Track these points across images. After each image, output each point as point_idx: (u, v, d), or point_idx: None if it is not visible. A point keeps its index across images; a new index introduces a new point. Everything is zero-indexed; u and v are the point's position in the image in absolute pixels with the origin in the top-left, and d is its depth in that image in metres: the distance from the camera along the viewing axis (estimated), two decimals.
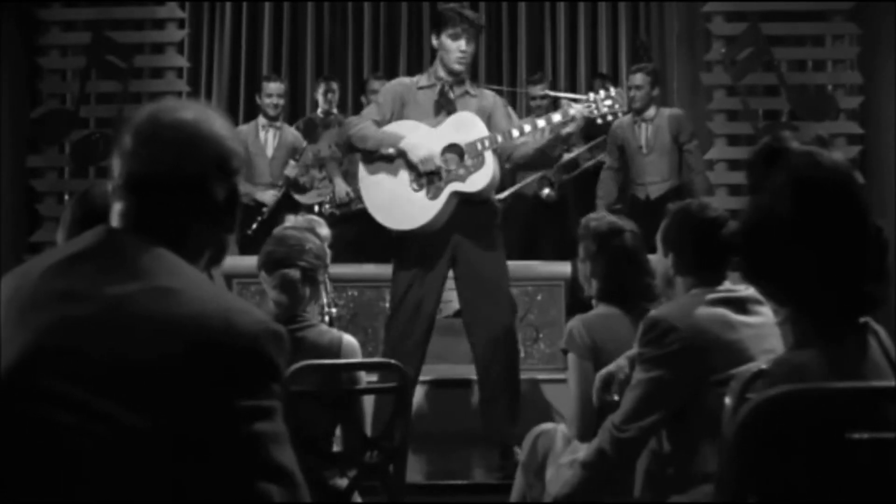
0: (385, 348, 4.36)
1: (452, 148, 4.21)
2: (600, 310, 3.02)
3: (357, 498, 2.76)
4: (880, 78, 6.18)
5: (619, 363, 2.68)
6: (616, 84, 7.36)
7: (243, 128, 6.51)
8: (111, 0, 6.52)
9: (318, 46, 8.42)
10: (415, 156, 4.19)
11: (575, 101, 4.26)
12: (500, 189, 6.89)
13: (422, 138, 4.22)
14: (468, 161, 4.18)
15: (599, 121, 4.32)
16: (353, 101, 7.78)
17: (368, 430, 2.80)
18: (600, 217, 3.16)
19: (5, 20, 6.21)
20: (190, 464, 1.25)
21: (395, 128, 4.28)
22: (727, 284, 2.49)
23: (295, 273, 2.87)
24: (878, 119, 6.18)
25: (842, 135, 6.24)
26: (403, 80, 4.55)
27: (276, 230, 3.17)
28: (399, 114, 4.32)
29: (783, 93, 6.34)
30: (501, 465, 4.28)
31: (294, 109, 7.96)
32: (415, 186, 4.23)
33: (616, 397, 2.62)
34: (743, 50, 6.37)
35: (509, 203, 6.65)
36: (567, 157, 6.54)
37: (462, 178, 4.18)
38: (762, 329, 2.36)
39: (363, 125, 4.32)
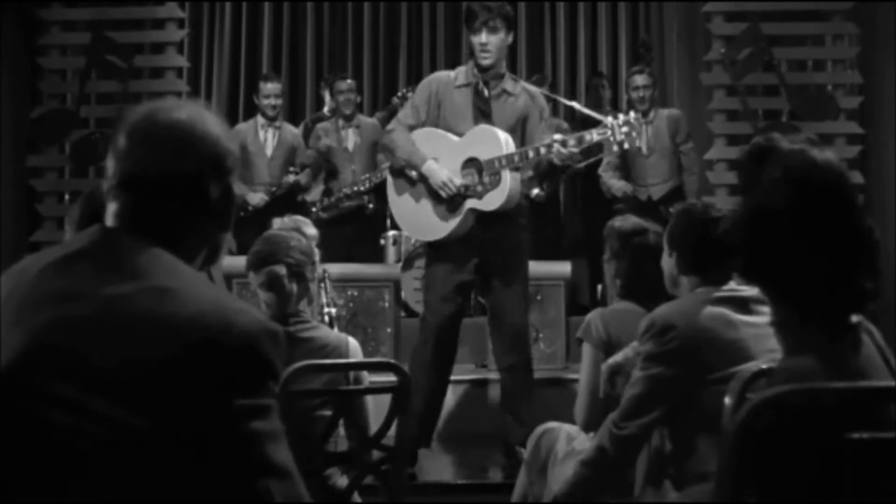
0: (419, 342, 4.32)
1: (472, 162, 4.18)
2: (619, 305, 3.07)
3: (357, 498, 2.76)
4: (880, 78, 6.18)
5: (627, 354, 2.69)
6: (615, 83, 7.39)
7: (242, 126, 6.51)
8: (111, 0, 6.52)
9: (318, 46, 8.44)
10: (435, 182, 4.19)
11: (594, 121, 4.12)
12: None
13: (444, 153, 4.20)
14: (486, 178, 4.14)
15: (616, 148, 4.25)
16: None
17: (373, 430, 2.80)
18: (625, 218, 3.22)
19: (5, 20, 6.20)
20: (187, 463, 1.25)
21: (423, 139, 4.25)
22: (731, 284, 2.50)
23: (280, 269, 2.90)
24: (878, 119, 6.18)
25: (842, 135, 6.23)
26: (441, 76, 4.43)
27: (264, 233, 3.21)
28: (435, 115, 4.27)
29: (783, 93, 6.33)
30: (506, 464, 4.30)
31: (294, 109, 7.97)
32: (436, 199, 4.24)
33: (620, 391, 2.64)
34: (743, 50, 6.36)
35: None
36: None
37: (479, 196, 4.16)
38: (765, 329, 2.36)
39: (396, 133, 4.31)
